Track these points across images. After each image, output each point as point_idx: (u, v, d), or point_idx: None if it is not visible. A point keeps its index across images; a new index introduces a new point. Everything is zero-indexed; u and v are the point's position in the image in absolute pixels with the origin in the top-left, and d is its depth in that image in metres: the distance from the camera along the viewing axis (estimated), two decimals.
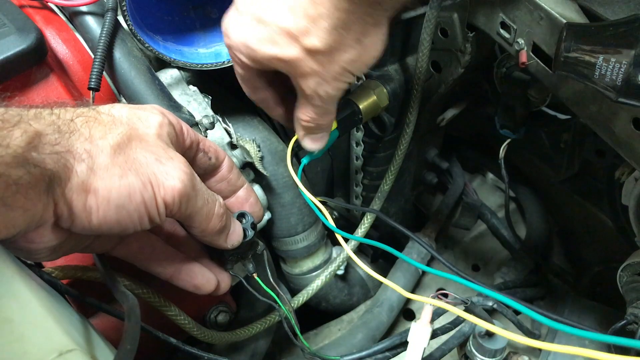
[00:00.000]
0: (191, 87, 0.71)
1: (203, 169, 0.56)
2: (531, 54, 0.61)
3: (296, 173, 0.59)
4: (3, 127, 0.39)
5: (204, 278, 0.56)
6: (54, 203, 0.41)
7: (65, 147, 0.41)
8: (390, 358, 0.70)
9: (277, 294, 0.61)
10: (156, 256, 0.54)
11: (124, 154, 0.43)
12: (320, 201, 0.57)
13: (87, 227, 0.43)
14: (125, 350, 0.38)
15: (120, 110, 0.47)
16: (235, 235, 0.55)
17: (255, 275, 0.60)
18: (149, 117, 0.48)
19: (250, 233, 0.57)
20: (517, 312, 0.77)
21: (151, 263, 0.54)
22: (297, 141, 0.60)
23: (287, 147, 0.85)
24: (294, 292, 0.95)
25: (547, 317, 0.39)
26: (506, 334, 0.40)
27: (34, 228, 0.40)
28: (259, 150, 0.76)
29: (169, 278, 0.55)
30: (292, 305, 0.78)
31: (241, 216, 0.58)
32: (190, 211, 0.47)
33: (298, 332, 0.59)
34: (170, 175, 0.44)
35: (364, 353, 0.69)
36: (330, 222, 0.55)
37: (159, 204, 0.44)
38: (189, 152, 0.53)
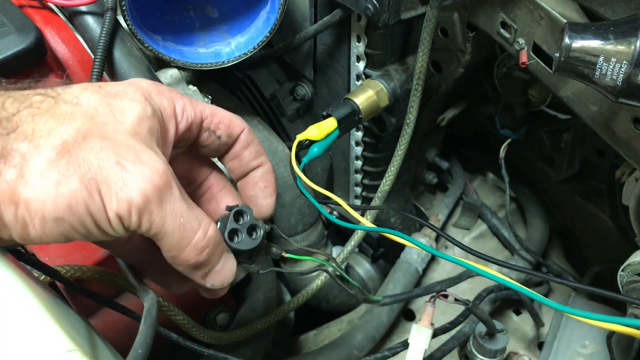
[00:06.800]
0: (191, 87, 0.71)
1: (213, 149, 0.48)
2: (531, 53, 0.61)
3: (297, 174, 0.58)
4: None
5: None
6: None
7: (1, 150, 0.34)
8: (390, 358, 0.70)
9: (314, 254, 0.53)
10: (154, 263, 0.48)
11: (70, 155, 0.35)
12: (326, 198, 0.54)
13: (29, 240, 0.36)
14: (137, 355, 0.36)
15: (90, 97, 0.38)
16: (220, 276, 0.43)
17: (285, 254, 0.51)
18: (125, 109, 0.39)
19: (254, 239, 0.46)
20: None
21: (148, 270, 0.49)
22: (300, 142, 0.59)
23: (287, 147, 0.86)
24: (294, 292, 0.95)
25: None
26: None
27: None
28: None
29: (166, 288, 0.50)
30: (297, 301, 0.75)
31: (238, 215, 0.47)
32: (155, 232, 0.38)
33: (344, 274, 0.52)
34: (129, 185, 0.35)
35: (404, 296, 0.67)
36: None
37: (110, 217, 0.36)
38: (187, 135, 0.45)
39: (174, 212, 0.38)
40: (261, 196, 0.50)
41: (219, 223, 0.45)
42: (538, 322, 0.90)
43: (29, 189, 0.34)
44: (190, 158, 0.49)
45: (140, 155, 0.37)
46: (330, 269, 0.53)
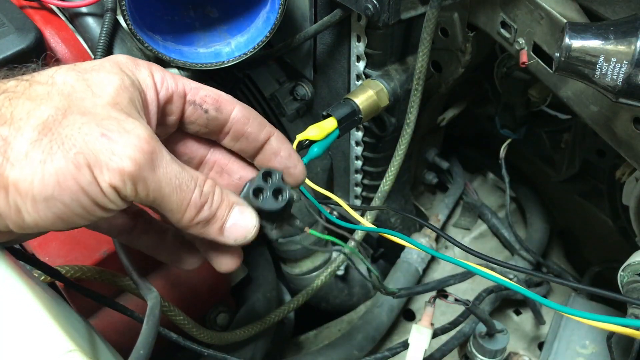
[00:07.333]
0: None
1: (203, 125, 0.45)
2: (532, 53, 0.61)
3: None
4: None
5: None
6: None
7: None
8: (390, 358, 0.70)
9: (339, 236, 0.51)
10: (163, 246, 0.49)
11: (53, 133, 0.35)
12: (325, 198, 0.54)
13: (25, 227, 0.36)
14: (139, 356, 0.36)
15: (65, 75, 0.38)
16: (239, 229, 0.43)
17: (307, 229, 0.50)
18: (103, 82, 0.38)
19: (278, 201, 0.45)
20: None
21: (159, 252, 0.49)
22: (300, 143, 0.59)
23: None
24: (294, 293, 0.95)
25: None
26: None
27: None
28: None
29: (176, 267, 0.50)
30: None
31: (267, 175, 0.46)
32: (154, 197, 0.38)
33: (368, 265, 0.52)
34: (119, 154, 0.35)
35: (420, 288, 0.68)
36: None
37: (104, 189, 0.35)
38: (169, 108, 0.44)
39: (168, 175, 0.38)
40: (291, 166, 0.48)
41: (248, 183, 0.45)
42: (540, 320, 0.90)
43: (15, 171, 0.34)
44: (185, 135, 0.48)
45: (123, 125, 0.36)
46: (347, 251, 0.52)
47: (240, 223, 0.43)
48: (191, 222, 0.41)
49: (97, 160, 0.35)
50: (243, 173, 0.49)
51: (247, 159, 0.49)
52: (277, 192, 0.46)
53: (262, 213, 0.45)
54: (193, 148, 0.48)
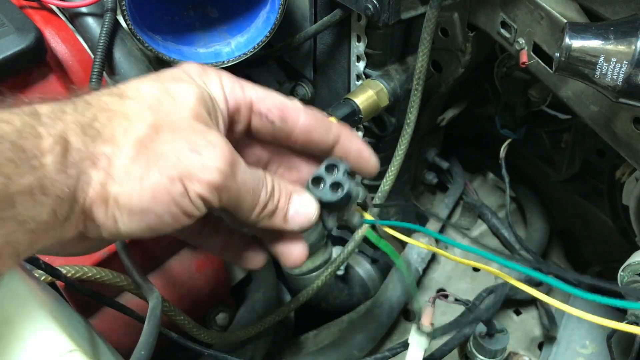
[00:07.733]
0: None
1: (269, 134, 0.46)
2: (532, 53, 0.61)
3: None
4: (27, 134, 0.32)
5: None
6: (76, 221, 0.37)
7: (91, 159, 0.36)
8: (390, 358, 0.70)
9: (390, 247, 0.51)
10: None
11: (148, 150, 0.38)
12: None
13: (117, 235, 0.39)
14: (140, 356, 0.36)
15: (150, 88, 0.41)
16: (301, 216, 0.45)
17: (365, 227, 0.50)
18: (185, 94, 0.41)
19: (335, 194, 0.45)
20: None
21: (224, 252, 0.51)
22: None
23: None
24: (294, 293, 0.95)
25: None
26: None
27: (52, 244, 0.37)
28: None
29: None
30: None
31: (332, 167, 0.46)
32: (232, 203, 0.41)
33: (414, 286, 0.52)
34: (208, 168, 0.38)
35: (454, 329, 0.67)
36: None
37: (193, 199, 0.38)
38: (237, 117, 0.45)
39: (245, 181, 0.41)
40: (362, 164, 0.49)
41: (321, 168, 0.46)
42: (552, 328, 0.87)
43: (117, 187, 0.37)
44: (253, 139, 0.49)
45: (208, 138, 0.39)
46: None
47: (301, 210, 0.45)
48: (258, 217, 0.44)
49: (189, 174, 0.38)
50: (313, 168, 0.49)
51: (320, 155, 0.49)
52: (336, 185, 0.46)
53: (319, 202, 0.46)
54: (261, 150, 0.50)
